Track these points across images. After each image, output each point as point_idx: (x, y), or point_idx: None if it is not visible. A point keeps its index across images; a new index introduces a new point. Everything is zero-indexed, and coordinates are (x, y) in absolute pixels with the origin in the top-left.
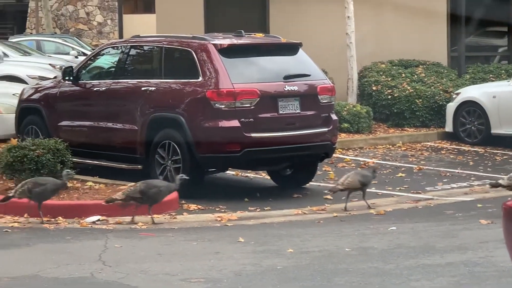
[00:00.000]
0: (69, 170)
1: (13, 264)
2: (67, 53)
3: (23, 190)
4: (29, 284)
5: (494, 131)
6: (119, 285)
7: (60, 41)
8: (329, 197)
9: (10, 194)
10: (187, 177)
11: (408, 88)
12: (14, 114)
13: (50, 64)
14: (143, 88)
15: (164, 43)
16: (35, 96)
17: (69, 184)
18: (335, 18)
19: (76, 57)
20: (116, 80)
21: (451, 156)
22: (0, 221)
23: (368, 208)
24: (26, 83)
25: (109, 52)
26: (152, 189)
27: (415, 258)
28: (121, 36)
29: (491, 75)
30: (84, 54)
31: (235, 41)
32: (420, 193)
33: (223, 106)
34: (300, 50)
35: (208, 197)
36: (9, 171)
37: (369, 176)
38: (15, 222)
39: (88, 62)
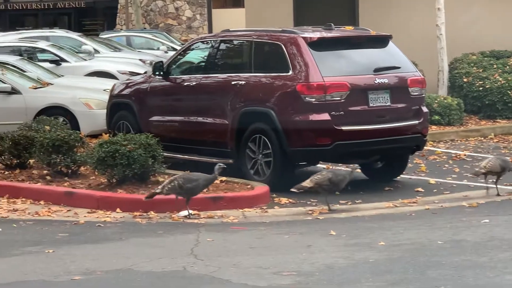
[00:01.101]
0: (221, 164)
1: (106, 258)
2: (157, 48)
3: (173, 186)
4: (122, 277)
5: None
6: (211, 279)
7: (149, 36)
8: (420, 189)
9: (157, 191)
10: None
11: (500, 79)
12: (105, 110)
13: (140, 60)
14: (233, 83)
15: (254, 37)
16: (126, 92)
17: (160, 179)
18: (425, 9)
19: (166, 52)
20: (206, 75)
21: None
22: (93, 216)
23: (498, 195)
24: (116, 78)
25: (198, 46)
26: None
27: (509, 251)
28: (210, 30)
29: None
30: (174, 49)
31: (324, 34)
32: None
33: (313, 99)
34: (390, 42)
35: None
36: (101, 166)
37: (508, 162)
38: (107, 217)
39: (178, 57)
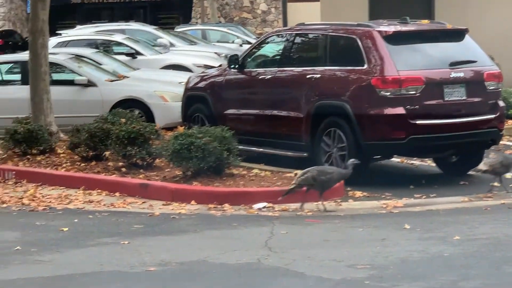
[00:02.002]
0: (354, 159)
1: (180, 250)
2: (232, 42)
3: (306, 177)
4: (197, 269)
5: None
6: (285, 271)
7: (225, 30)
8: (496, 184)
9: (292, 186)
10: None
11: None
12: (180, 102)
13: (215, 53)
14: (308, 76)
15: (329, 30)
16: (201, 85)
17: (235, 171)
18: (503, 3)
19: (241, 45)
20: (281, 68)
21: None
22: (168, 208)
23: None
24: (192, 71)
25: (274, 40)
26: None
27: None
28: (285, 24)
29: None
30: (249, 43)
31: (400, 28)
32: None
33: (388, 93)
34: (467, 36)
35: (373, 184)
36: (176, 158)
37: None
38: (182, 209)
39: (253, 50)
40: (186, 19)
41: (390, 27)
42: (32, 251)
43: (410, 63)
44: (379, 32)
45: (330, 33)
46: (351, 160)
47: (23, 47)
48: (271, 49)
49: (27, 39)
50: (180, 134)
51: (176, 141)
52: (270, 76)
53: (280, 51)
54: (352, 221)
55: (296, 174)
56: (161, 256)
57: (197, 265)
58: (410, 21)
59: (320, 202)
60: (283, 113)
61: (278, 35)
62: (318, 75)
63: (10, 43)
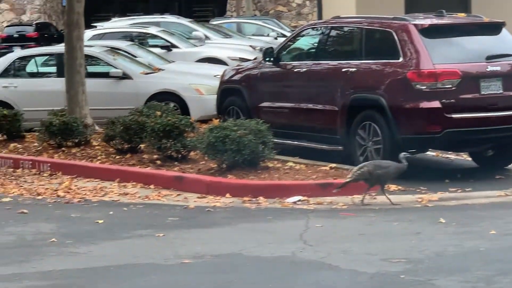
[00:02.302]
0: (405, 153)
1: (215, 243)
2: (267, 35)
3: (362, 172)
4: (232, 262)
5: None
6: (320, 264)
7: (260, 23)
8: None
9: (348, 180)
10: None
11: None
12: (215, 95)
13: (250, 46)
14: (343, 69)
15: (365, 24)
16: (236, 78)
17: (269, 164)
18: None
19: (276, 38)
20: (316, 61)
21: None
22: (202, 201)
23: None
24: (227, 64)
25: (309, 33)
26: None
27: None
28: (320, 17)
29: None
30: (283, 36)
31: (436, 21)
32: None
33: (424, 87)
34: (504, 30)
35: (408, 178)
36: (211, 151)
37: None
38: (217, 202)
39: (288, 43)
40: (221, 12)
41: (426, 20)
42: (67, 243)
43: (446, 57)
44: (415, 25)
45: (366, 27)
46: (403, 153)
47: (58, 39)
48: (306, 42)
49: (62, 31)
50: (215, 127)
51: (211, 133)
52: (305, 69)
53: (315, 44)
54: (387, 215)
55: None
56: (196, 249)
57: (232, 258)
58: (446, 15)
59: (363, 196)
60: (318, 106)
61: (313, 28)
62: (354, 69)
63: (45, 35)
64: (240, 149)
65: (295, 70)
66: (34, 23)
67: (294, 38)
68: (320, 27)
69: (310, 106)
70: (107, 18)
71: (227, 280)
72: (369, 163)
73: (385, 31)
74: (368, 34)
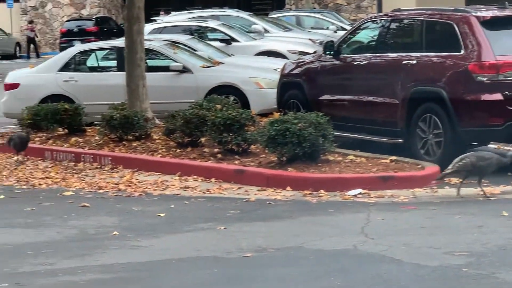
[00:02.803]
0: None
1: (276, 236)
2: (326, 28)
3: (465, 163)
4: (293, 255)
5: None
6: (382, 257)
7: (319, 16)
8: None
9: (448, 171)
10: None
11: None
12: (275, 89)
13: (309, 39)
14: (403, 62)
15: (425, 16)
16: (296, 71)
17: (330, 158)
18: None
19: (335, 31)
20: (377, 54)
21: None
22: (263, 194)
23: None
24: (286, 58)
25: (369, 26)
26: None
27: None
28: (379, 10)
29: None
30: (343, 29)
31: (498, 13)
32: None
33: (485, 79)
34: None
35: None
36: (271, 144)
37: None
38: (277, 195)
39: (349, 36)
40: (280, 5)
41: (488, 12)
42: (129, 236)
43: (508, 48)
44: (476, 17)
45: (426, 19)
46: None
47: (118, 33)
48: (366, 35)
49: (122, 25)
50: (275, 120)
51: (271, 127)
52: (365, 62)
53: (376, 37)
54: (449, 208)
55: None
56: (257, 242)
57: (294, 251)
58: (508, 6)
59: (480, 189)
60: (378, 99)
61: (373, 21)
62: (414, 61)
63: (105, 29)
64: (301, 142)
65: (355, 63)
66: (94, 17)
67: (354, 31)
68: (380, 20)
69: (370, 99)
70: (166, 12)
71: (289, 273)
72: (470, 155)
73: (446, 23)
74: (428, 26)
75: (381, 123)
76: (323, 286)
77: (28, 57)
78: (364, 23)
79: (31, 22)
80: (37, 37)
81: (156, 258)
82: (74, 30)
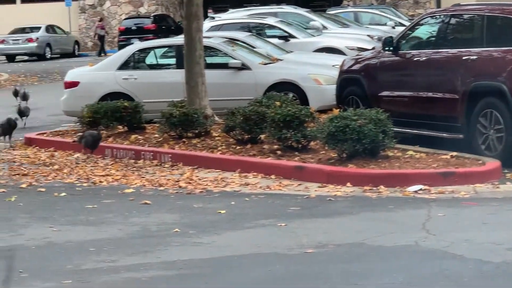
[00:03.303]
0: None
1: (337, 232)
2: (384, 24)
3: None
4: (354, 251)
5: None
6: (443, 254)
7: (377, 12)
8: None
9: None
10: None
11: None
12: (334, 85)
13: (368, 35)
14: (463, 57)
15: (486, 11)
16: (355, 67)
17: (389, 153)
18: None
19: (393, 27)
20: (436, 50)
21: None
22: (323, 190)
23: None
24: (345, 54)
25: (428, 21)
26: None
27: None
28: (438, 5)
29: None
30: (401, 25)
31: None
32: None
33: None
34: None
35: None
36: (331, 140)
37: None
38: (337, 191)
39: (408, 32)
40: (337, 2)
41: None
42: (190, 233)
43: None
44: None
45: (487, 14)
46: None
47: (176, 31)
48: (425, 31)
49: (180, 23)
50: (335, 117)
51: (331, 123)
52: (424, 58)
53: (435, 32)
54: (510, 204)
55: None
56: (318, 238)
57: (355, 247)
58: None
59: None
60: (438, 94)
61: (432, 17)
62: (474, 56)
63: (163, 27)
64: (360, 138)
65: (415, 59)
66: (152, 15)
67: (413, 27)
68: (440, 15)
69: (430, 94)
70: (223, 10)
71: (350, 269)
72: None
73: (506, 17)
74: (489, 21)
75: (441, 118)
76: (385, 282)
77: (100, 55)
78: (423, 18)
79: (101, 20)
80: (107, 34)
81: (218, 255)
82: (132, 28)
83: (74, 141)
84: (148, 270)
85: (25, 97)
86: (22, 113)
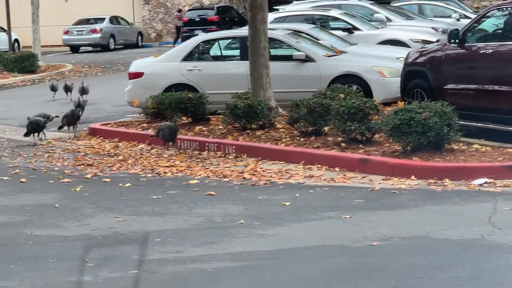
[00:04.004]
0: None
1: (402, 225)
2: (449, 16)
3: None
4: (420, 244)
5: None
6: (510, 248)
7: (441, 4)
8: None
9: None
10: None
11: None
12: (398, 78)
13: (432, 28)
14: None
15: None
16: (420, 60)
17: (454, 147)
18: None
19: (458, 20)
20: (503, 42)
21: None
22: (388, 183)
23: None
24: (409, 47)
25: (494, 14)
26: None
27: None
28: None
29: None
30: (466, 17)
31: None
32: None
33: None
34: None
35: None
36: (396, 133)
37: None
38: (402, 184)
39: (474, 24)
40: None
41: None
42: (255, 224)
43: None
44: None
45: None
46: None
47: (239, 23)
48: (492, 23)
49: (243, 14)
50: (400, 109)
51: (396, 116)
52: (491, 51)
53: (502, 25)
54: None
55: None
56: (383, 231)
57: (420, 240)
58: None
59: None
60: (504, 87)
61: (499, 9)
62: None
63: (226, 19)
64: (425, 131)
65: (481, 51)
66: (215, 6)
67: (479, 20)
68: (507, 7)
69: (496, 87)
70: (287, 1)
71: (415, 262)
72: None
73: None
74: None
75: (507, 112)
76: (451, 276)
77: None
78: (490, 11)
79: (180, 11)
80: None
81: (283, 246)
82: (196, 19)
83: (151, 137)
84: (214, 261)
85: (84, 91)
86: (80, 106)
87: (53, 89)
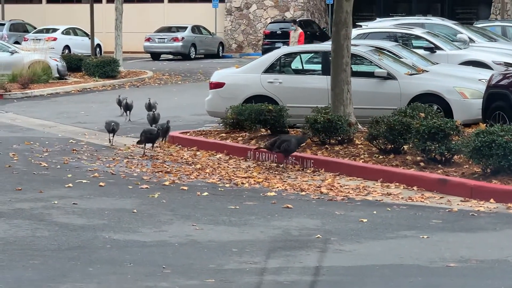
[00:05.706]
0: None
1: (480, 247)
2: None
3: None
4: (497, 268)
5: None
6: None
7: None
8: None
9: None
10: None
11: None
12: (479, 100)
13: None
14: None
15: None
16: (504, 82)
17: None
18: None
19: None
20: None
21: None
22: (466, 205)
23: None
24: (491, 69)
25: None
26: None
27: None
28: None
29: None
30: None
31: None
32: None
33: None
34: None
35: None
36: (476, 155)
37: None
38: (480, 206)
39: None
40: (484, 14)
41: None
42: (332, 240)
43: None
44: None
45: None
46: None
47: (320, 37)
48: None
49: (324, 29)
50: (481, 131)
51: (477, 138)
52: None
53: None
54: None
55: None
56: (460, 253)
57: (498, 264)
58: None
59: None
60: None
61: None
62: None
63: (308, 32)
64: (506, 154)
65: None
66: (297, 20)
67: None
68: None
69: None
70: (369, 18)
71: (493, 285)
72: None
73: None
74: None
75: None
76: None
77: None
78: None
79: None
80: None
81: (360, 263)
82: (277, 32)
83: (261, 148)
84: (290, 274)
85: (150, 107)
86: (155, 120)
87: (120, 104)
